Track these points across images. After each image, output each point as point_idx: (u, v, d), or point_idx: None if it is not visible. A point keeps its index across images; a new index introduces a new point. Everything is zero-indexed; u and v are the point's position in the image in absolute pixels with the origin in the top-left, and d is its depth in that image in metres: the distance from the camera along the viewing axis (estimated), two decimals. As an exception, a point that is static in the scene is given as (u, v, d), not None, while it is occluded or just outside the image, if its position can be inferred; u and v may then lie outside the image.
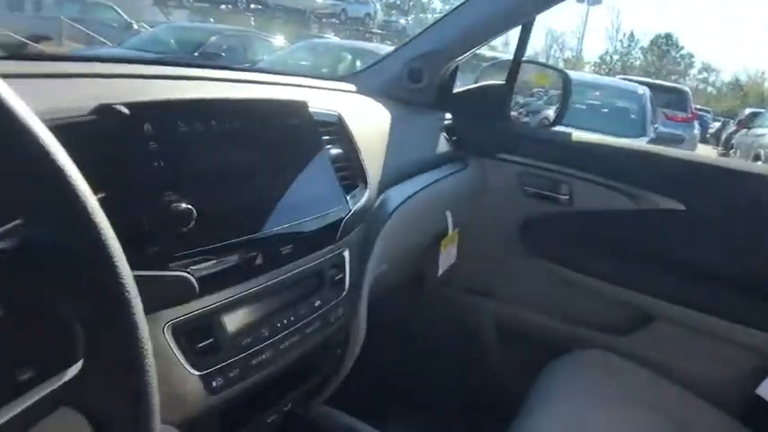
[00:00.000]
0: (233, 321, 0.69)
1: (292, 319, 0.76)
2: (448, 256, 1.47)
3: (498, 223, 1.61)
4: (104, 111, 0.58)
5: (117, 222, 0.38)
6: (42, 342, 0.34)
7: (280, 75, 1.32)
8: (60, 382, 0.34)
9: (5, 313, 0.31)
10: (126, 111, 0.59)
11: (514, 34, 1.58)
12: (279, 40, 9.32)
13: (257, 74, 1.20)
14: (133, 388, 0.38)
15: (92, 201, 0.36)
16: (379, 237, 1.01)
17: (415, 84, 1.52)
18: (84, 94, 0.61)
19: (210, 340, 0.66)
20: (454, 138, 1.51)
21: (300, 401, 0.95)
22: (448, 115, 1.55)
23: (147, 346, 0.39)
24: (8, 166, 0.34)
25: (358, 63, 6.59)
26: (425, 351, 1.74)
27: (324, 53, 7.43)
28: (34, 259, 0.34)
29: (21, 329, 0.33)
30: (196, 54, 7.41)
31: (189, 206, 0.60)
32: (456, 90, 1.61)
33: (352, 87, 1.45)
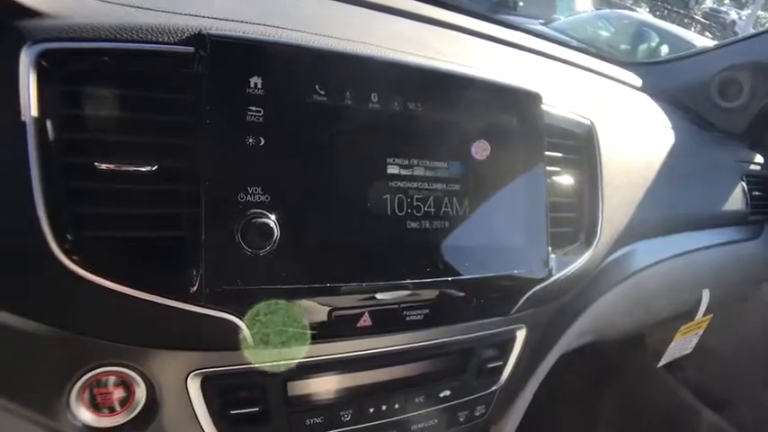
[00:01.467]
0: (299, 389, 0.46)
1: (396, 407, 0.50)
2: (683, 346, 1.06)
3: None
4: None
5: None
6: None
7: (558, 44, 1.01)
8: None
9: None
10: None
11: None
12: (584, 3, 8.54)
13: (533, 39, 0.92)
14: None
15: None
16: (591, 309, 0.69)
17: (725, 101, 1.09)
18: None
19: (256, 409, 0.44)
20: (757, 192, 1.04)
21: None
22: (759, 158, 1.08)
23: None
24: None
25: (664, 49, 5.66)
26: (611, 424, 1.36)
27: (628, 27, 6.57)
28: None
29: None
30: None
31: (272, 223, 0.37)
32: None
33: (638, 81, 1.07)
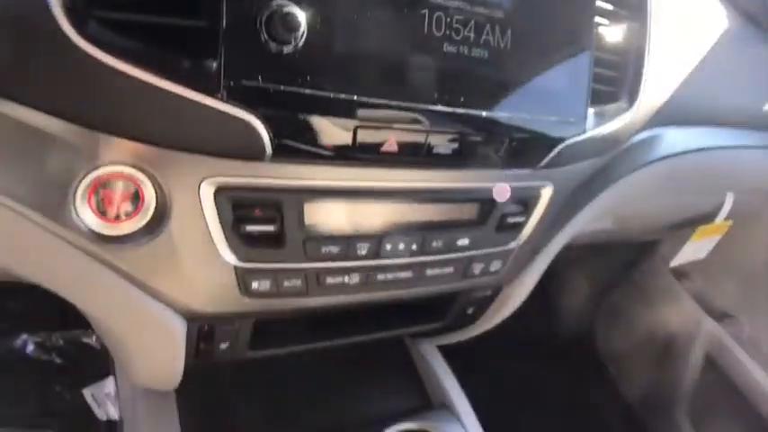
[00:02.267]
0: (317, 214, 0.45)
1: (413, 248, 0.49)
2: (697, 248, 1.05)
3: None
4: None
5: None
6: None
7: None
8: None
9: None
10: None
11: None
12: None
13: None
14: None
15: None
16: (616, 185, 0.66)
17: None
18: None
19: (271, 228, 0.43)
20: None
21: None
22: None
23: None
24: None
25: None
26: (610, 324, 1.39)
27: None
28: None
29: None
30: None
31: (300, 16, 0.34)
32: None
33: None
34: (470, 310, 0.64)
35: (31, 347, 1.20)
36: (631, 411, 1.42)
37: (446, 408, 0.72)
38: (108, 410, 1.14)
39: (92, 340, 1.22)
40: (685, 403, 1.26)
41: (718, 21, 0.83)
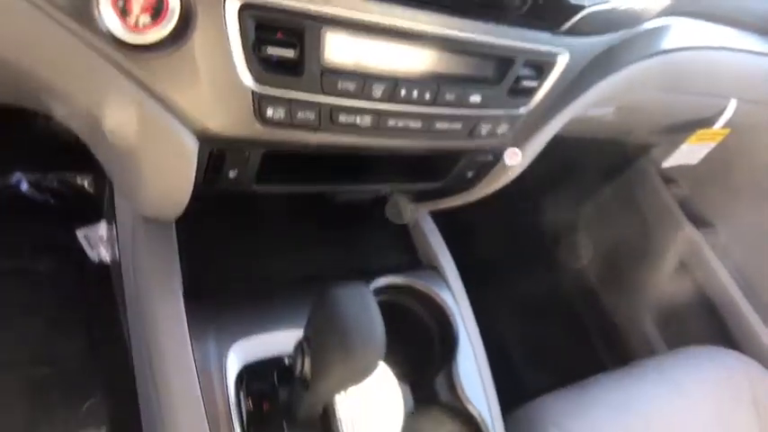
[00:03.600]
0: (337, 48, 0.44)
1: (426, 97, 0.49)
2: (691, 152, 1.06)
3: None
4: None
5: None
6: None
7: None
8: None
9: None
10: None
11: None
12: None
13: None
14: None
15: None
16: (626, 69, 0.66)
17: None
18: None
19: (291, 53, 0.43)
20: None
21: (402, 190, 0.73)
22: None
23: None
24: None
25: None
26: (591, 223, 1.45)
27: None
28: None
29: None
30: None
31: None
32: None
33: None
34: (470, 174, 0.65)
35: (25, 186, 1.21)
36: (600, 312, 1.50)
37: (434, 269, 0.76)
38: (100, 253, 1.17)
39: (85, 184, 1.23)
40: (653, 305, 1.34)
41: None
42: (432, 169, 0.65)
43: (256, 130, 0.45)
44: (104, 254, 1.16)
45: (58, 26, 0.38)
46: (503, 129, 0.57)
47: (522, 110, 0.57)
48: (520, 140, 0.61)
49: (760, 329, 1.16)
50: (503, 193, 0.69)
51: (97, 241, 1.18)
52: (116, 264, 0.99)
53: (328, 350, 0.45)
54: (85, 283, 1.13)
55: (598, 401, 0.87)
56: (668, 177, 1.34)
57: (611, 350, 1.42)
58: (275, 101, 0.44)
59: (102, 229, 1.17)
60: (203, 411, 0.54)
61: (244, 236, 0.72)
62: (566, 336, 1.44)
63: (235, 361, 0.58)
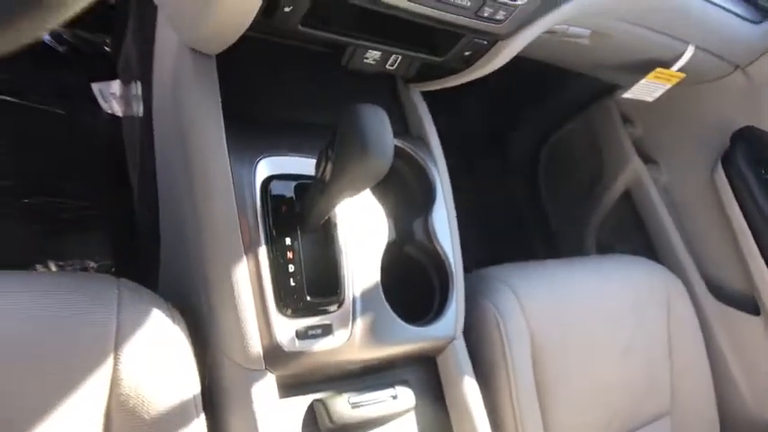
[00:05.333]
0: None
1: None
2: (649, 89, 1.23)
3: (723, 106, 1.34)
4: None
5: None
6: None
7: None
8: None
9: None
10: None
11: None
12: None
13: None
14: None
15: None
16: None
17: None
18: None
19: None
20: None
21: (406, 71, 0.86)
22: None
23: None
24: None
25: None
26: (555, 150, 1.64)
27: None
28: None
29: None
30: None
31: None
32: None
33: None
34: (467, 53, 0.80)
35: (47, 36, 1.28)
36: (548, 229, 1.71)
37: (420, 139, 0.91)
38: (112, 106, 1.27)
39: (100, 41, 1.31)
40: (596, 223, 1.55)
41: None
42: (437, 45, 0.79)
43: None
44: (116, 108, 1.26)
45: None
46: (501, 15, 0.71)
47: (519, 2, 0.71)
48: (512, 29, 0.76)
49: (679, 250, 1.37)
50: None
51: (110, 96, 1.27)
52: (132, 116, 1.10)
53: (349, 153, 0.59)
54: (97, 129, 1.24)
55: (540, 276, 1.06)
56: (626, 117, 1.52)
57: (550, 252, 1.64)
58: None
59: (115, 86, 1.27)
60: (234, 203, 0.69)
61: (268, 78, 0.84)
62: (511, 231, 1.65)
63: (263, 170, 0.72)
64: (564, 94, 1.58)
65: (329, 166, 0.62)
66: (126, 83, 1.22)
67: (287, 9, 0.64)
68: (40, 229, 1.16)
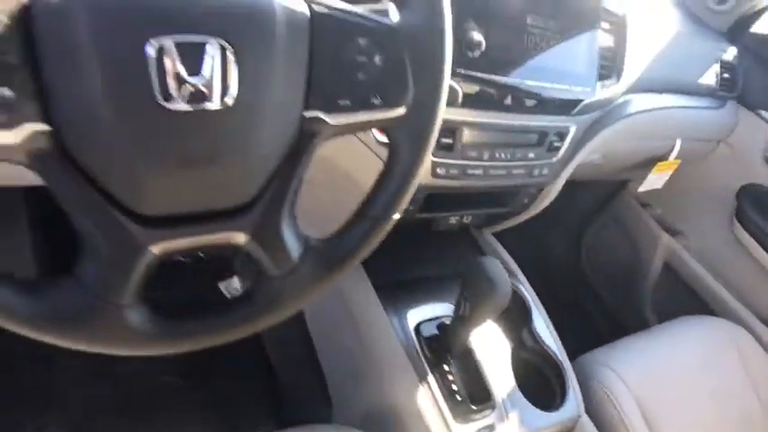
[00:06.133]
0: (468, 136, 0.88)
1: (508, 156, 0.94)
2: (656, 179, 1.52)
3: (721, 173, 1.60)
4: None
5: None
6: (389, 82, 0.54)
7: None
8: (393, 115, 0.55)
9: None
10: None
11: None
12: None
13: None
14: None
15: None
16: (606, 129, 1.11)
17: (717, 4, 1.47)
18: None
19: (450, 140, 0.86)
20: (726, 75, 1.46)
21: (479, 221, 1.17)
22: (732, 49, 1.48)
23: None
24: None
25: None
26: (592, 246, 1.89)
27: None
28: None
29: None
30: None
31: (481, 38, 0.77)
32: (755, 30, 1.51)
33: (653, -16, 1.44)
34: (525, 200, 1.09)
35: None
36: (610, 311, 1.92)
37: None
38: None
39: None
40: (649, 294, 1.76)
41: (673, 21, 1.29)
42: (503, 199, 1.09)
43: (430, 180, 0.88)
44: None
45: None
46: (545, 171, 1.01)
47: (555, 159, 1.01)
48: (553, 177, 1.06)
49: (732, 302, 1.58)
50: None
51: (234, 292, 1.57)
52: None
53: (483, 295, 0.85)
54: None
55: (631, 351, 1.27)
56: (643, 202, 1.80)
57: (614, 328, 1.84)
58: (440, 164, 0.88)
59: (236, 282, 1.56)
60: (401, 348, 0.95)
61: (389, 248, 1.13)
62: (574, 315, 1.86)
63: (412, 320, 0.99)
64: (587, 195, 1.88)
65: (467, 306, 0.89)
66: (245, 276, 1.51)
67: (410, 208, 0.94)
68: None
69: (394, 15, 0.52)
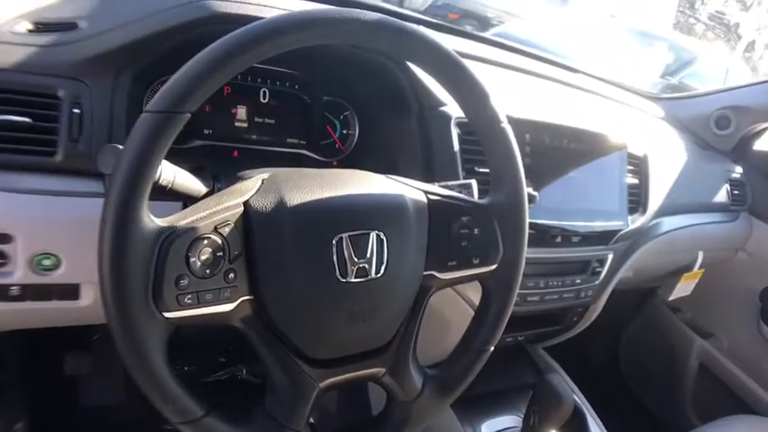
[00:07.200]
0: (528, 269, 1.04)
1: (559, 284, 1.10)
2: (684, 288, 1.66)
3: (743, 278, 1.73)
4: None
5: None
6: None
7: (597, 79, 1.58)
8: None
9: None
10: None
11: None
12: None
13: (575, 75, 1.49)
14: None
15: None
16: (637, 252, 1.28)
17: (719, 130, 1.67)
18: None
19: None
20: (736, 191, 1.64)
21: (533, 338, 1.31)
22: (738, 168, 1.67)
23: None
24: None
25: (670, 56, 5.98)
26: (629, 350, 2.00)
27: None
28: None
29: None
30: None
31: (535, 193, 0.96)
32: (757, 147, 1.70)
33: (661, 112, 1.65)
34: (574, 318, 1.24)
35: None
36: (652, 413, 1.98)
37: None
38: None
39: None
40: (691, 403, 1.84)
41: (685, 151, 1.49)
42: (554, 319, 1.24)
43: None
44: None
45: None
46: (590, 292, 1.17)
47: (597, 282, 1.17)
48: (596, 296, 1.21)
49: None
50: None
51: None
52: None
53: (552, 409, 0.98)
54: None
55: None
56: (674, 308, 1.92)
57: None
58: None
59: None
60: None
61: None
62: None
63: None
64: (619, 303, 2.01)
65: (536, 418, 1.01)
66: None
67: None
68: None
69: (475, 190, 0.73)
